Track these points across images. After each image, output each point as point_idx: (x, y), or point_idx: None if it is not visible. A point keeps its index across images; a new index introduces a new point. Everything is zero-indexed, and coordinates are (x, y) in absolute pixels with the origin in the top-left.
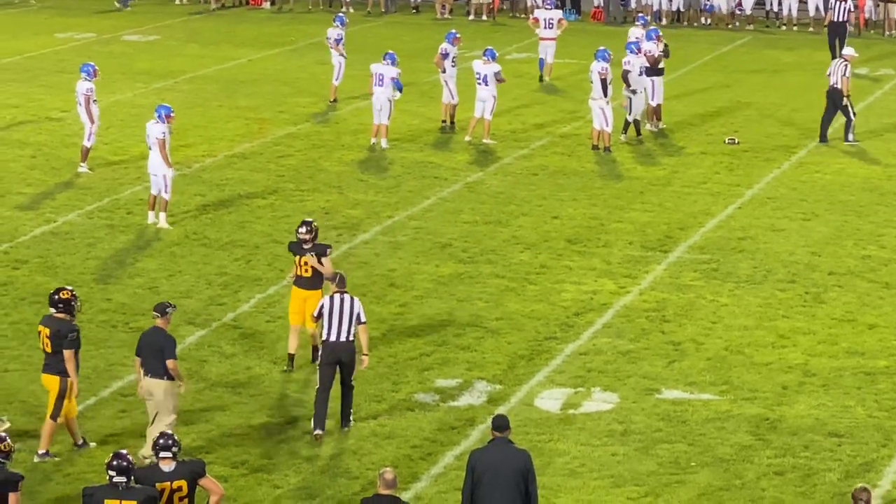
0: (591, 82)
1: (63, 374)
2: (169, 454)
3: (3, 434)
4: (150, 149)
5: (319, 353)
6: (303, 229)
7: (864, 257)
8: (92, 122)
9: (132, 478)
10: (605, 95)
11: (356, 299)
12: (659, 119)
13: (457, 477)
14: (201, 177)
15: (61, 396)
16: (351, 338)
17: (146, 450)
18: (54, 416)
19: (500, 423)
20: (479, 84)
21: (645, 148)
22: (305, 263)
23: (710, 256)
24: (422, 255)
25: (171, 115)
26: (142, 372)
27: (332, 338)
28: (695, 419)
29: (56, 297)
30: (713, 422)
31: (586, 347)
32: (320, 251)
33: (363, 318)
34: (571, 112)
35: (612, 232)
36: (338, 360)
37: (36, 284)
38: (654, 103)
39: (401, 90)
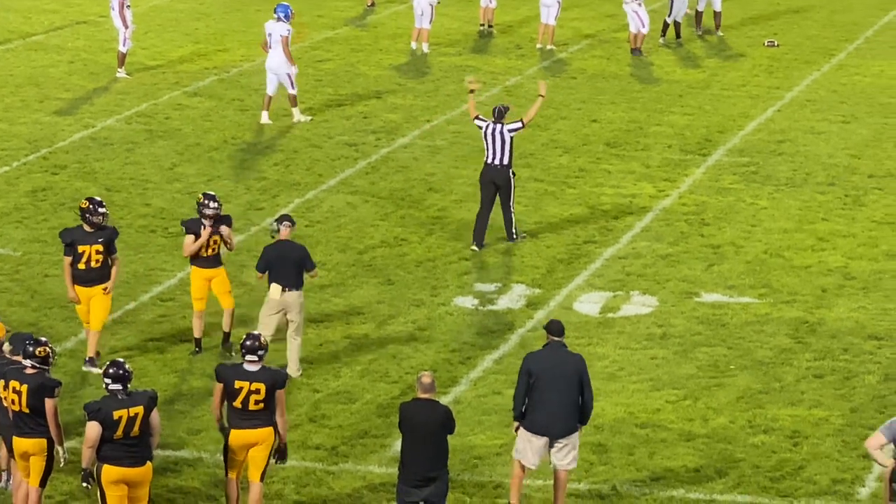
0: None
1: None
2: (255, 357)
3: (44, 339)
4: (269, 48)
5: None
6: (213, 204)
7: None
8: (126, 27)
9: (130, 383)
10: None
11: (507, 127)
12: (717, 27)
13: (495, 381)
14: (239, 82)
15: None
16: (505, 162)
17: (291, 369)
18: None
19: (556, 328)
20: None
21: (684, 51)
22: (215, 242)
23: (750, 159)
24: (460, 159)
25: (292, 14)
26: (272, 285)
27: (489, 160)
28: (734, 322)
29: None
30: (752, 325)
31: (625, 251)
32: (226, 221)
33: (516, 127)
34: (611, 15)
35: (651, 135)
36: (493, 181)
37: (75, 190)
38: (717, 9)
39: None
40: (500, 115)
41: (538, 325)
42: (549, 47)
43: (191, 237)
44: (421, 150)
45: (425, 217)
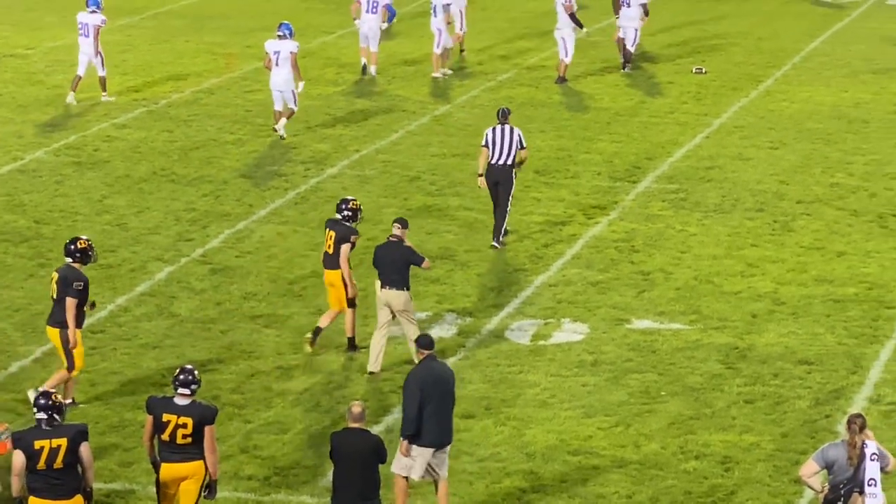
0: (557, 13)
1: (63, 325)
2: (187, 391)
3: None
4: (275, 65)
5: None
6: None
7: (833, 185)
8: (97, 53)
9: (61, 416)
10: (567, 25)
11: (516, 129)
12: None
13: None
14: (168, 113)
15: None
16: (509, 162)
17: (372, 365)
18: (70, 368)
19: (428, 341)
20: (432, 14)
21: (612, 78)
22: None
23: (679, 186)
24: (390, 188)
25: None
26: (378, 283)
27: (493, 161)
28: (665, 349)
29: (72, 247)
30: (683, 351)
31: (556, 279)
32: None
33: (524, 144)
34: (538, 44)
35: (580, 163)
36: (496, 181)
37: (3, 223)
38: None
39: (393, 18)
40: (504, 116)
41: (470, 353)
42: (433, 75)
43: (348, 246)
44: (350, 180)
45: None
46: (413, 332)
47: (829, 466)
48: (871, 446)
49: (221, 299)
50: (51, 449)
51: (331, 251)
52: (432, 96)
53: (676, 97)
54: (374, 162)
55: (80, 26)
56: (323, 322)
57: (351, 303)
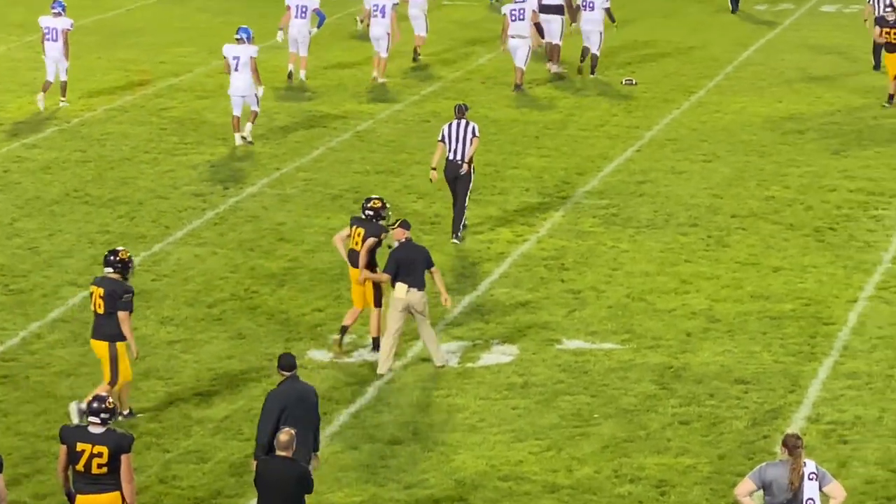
0: (517, 20)
1: (112, 338)
2: (97, 419)
3: None
4: (235, 70)
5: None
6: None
7: (768, 198)
8: (64, 57)
9: None
10: (531, 35)
11: (472, 123)
12: (555, 60)
13: (353, 435)
14: (80, 132)
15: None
16: (465, 159)
17: (382, 367)
18: (112, 382)
19: (290, 362)
20: (375, 16)
21: (540, 91)
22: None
23: (610, 201)
24: (312, 207)
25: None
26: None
27: (450, 157)
28: (597, 369)
29: (112, 258)
30: (616, 372)
31: (483, 299)
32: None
33: (477, 133)
34: (463, 55)
35: (507, 179)
36: (455, 176)
37: None
38: (556, 42)
39: (322, 22)
40: (461, 112)
41: (397, 377)
42: (379, 80)
43: (374, 240)
44: (271, 199)
45: (276, 268)
46: (432, 334)
47: (766, 487)
48: (810, 465)
49: (137, 324)
50: None
51: (358, 248)
52: (354, 111)
53: (606, 109)
54: (294, 180)
55: (45, 30)
56: (347, 320)
57: (377, 302)
